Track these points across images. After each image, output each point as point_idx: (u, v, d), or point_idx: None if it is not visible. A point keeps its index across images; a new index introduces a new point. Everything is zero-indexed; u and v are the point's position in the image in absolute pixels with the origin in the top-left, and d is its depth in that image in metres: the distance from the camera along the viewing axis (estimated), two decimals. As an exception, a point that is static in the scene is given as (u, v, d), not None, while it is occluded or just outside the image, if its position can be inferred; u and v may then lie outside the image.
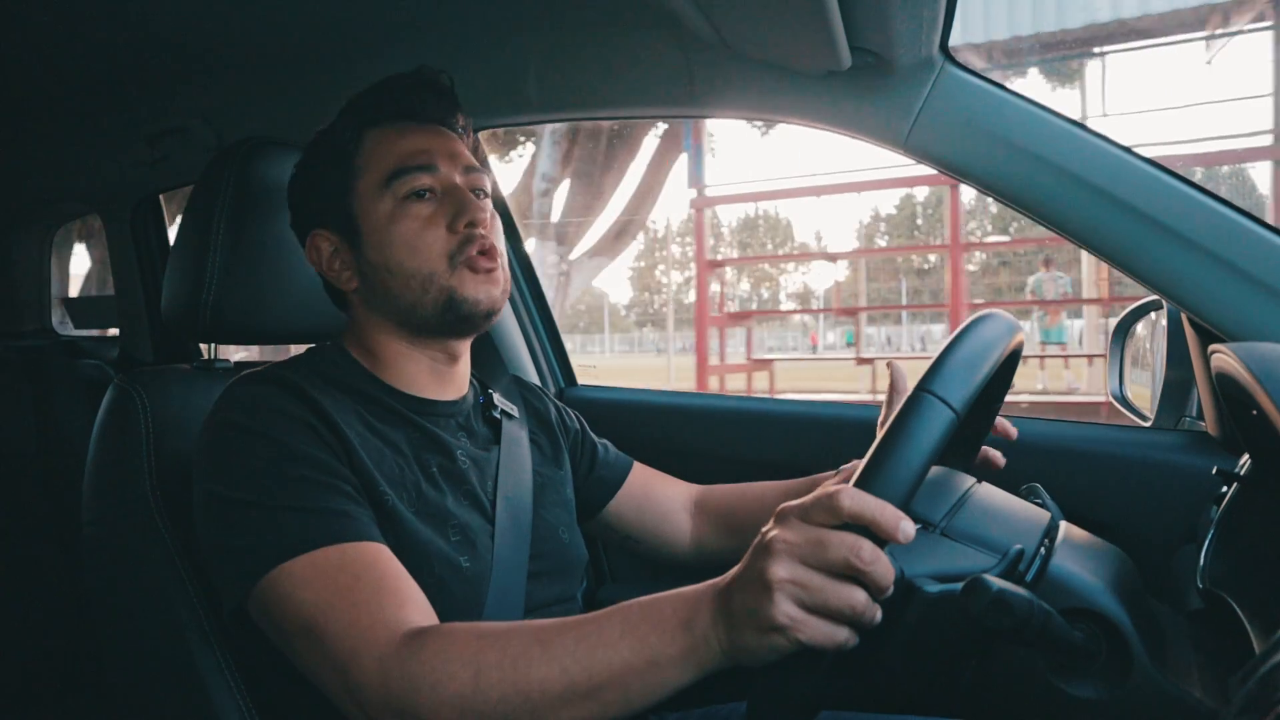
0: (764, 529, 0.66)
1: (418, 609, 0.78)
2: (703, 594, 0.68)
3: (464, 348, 1.02)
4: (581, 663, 0.69)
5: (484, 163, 1.02)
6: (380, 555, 0.81)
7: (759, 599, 0.62)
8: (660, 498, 1.22)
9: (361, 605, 0.76)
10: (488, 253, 0.94)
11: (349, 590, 0.77)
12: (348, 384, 0.95)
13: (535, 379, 1.70)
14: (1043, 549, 0.72)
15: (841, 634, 0.62)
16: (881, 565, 0.61)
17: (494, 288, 0.95)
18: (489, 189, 1.00)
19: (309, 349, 1.02)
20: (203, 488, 0.86)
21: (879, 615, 0.63)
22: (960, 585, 0.62)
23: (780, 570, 0.62)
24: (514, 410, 1.09)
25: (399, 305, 0.94)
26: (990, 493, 0.82)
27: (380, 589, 0.78)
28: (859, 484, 0.63)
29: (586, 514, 1.18)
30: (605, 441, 1.24)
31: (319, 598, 0.77)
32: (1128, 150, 1.05)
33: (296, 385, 0.89)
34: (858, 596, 0.61)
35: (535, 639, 0.71)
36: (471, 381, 1.07)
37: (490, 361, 1.19)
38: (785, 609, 0.61)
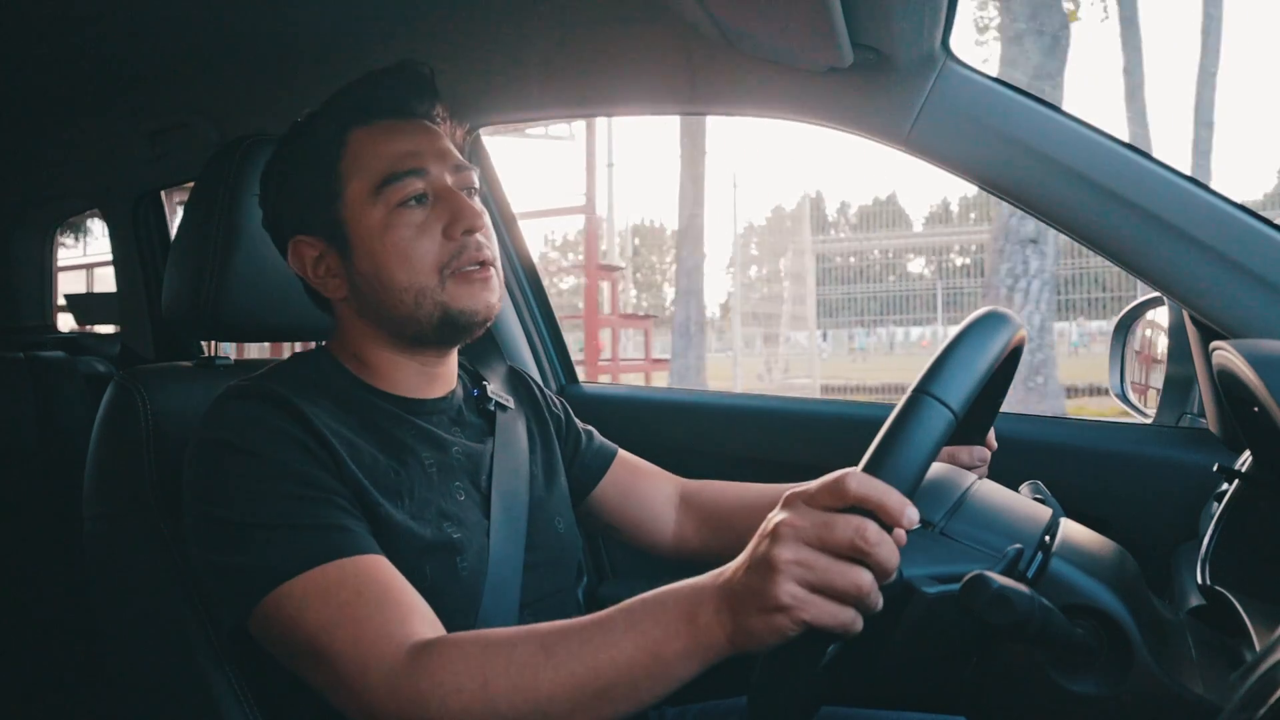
0: (770, 515, 0.66)
1: (422, 619, 0.78)
2: (705, 585, 0.68)
3: (454, 349, 1.01)
4: (588, 664, 0.69)
5: (472, 157, 1.01)
6: (380, 567, 0.81)
7: (763, 580, 0.63)
8: (644, 489, 1.21)
9: (364, 621, 0.76)
10: (482, 262, 0.92)
11: (351, 607, 0.77)
12: (335, 390, 0.94)
13: (536, 376, 1.69)
14: (1043, 546, 0.72)
15: (846, 615, 0.61)
16: (886, 547, 0.61)
17: (490, 295, 0.93)
18: (478, 185, 0.97)
19: (294, 355, 1.01)
20: (195, 508, 0.85)
21: (880, 602, 0.62)
22: (960, 584, 0.62)
23: (785, 552, 0.62)
24: (509, 402, 1.09)
25: (392, 317, 0.92)
26: (990, 490, 0.82)
27: (383, 603, 0.77)
28: None
29: (571, 502, 1.16)
30: (589, 428, 1.23)
31: (321, 617, 0.77)
32: (1131, 147, 1.04)
33: (283, 398, 0.87)
34: (863, 577, 0.61)
35: (540, 645, 0.71)
36: (461, 375, 1.06)
37: (489, 356, 1.19)
38: (789, 589, 0.61)
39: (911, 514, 0.61)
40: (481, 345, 1.17)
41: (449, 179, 0.93)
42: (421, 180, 0.91)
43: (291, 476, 0.83)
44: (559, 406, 1.21)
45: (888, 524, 0.61)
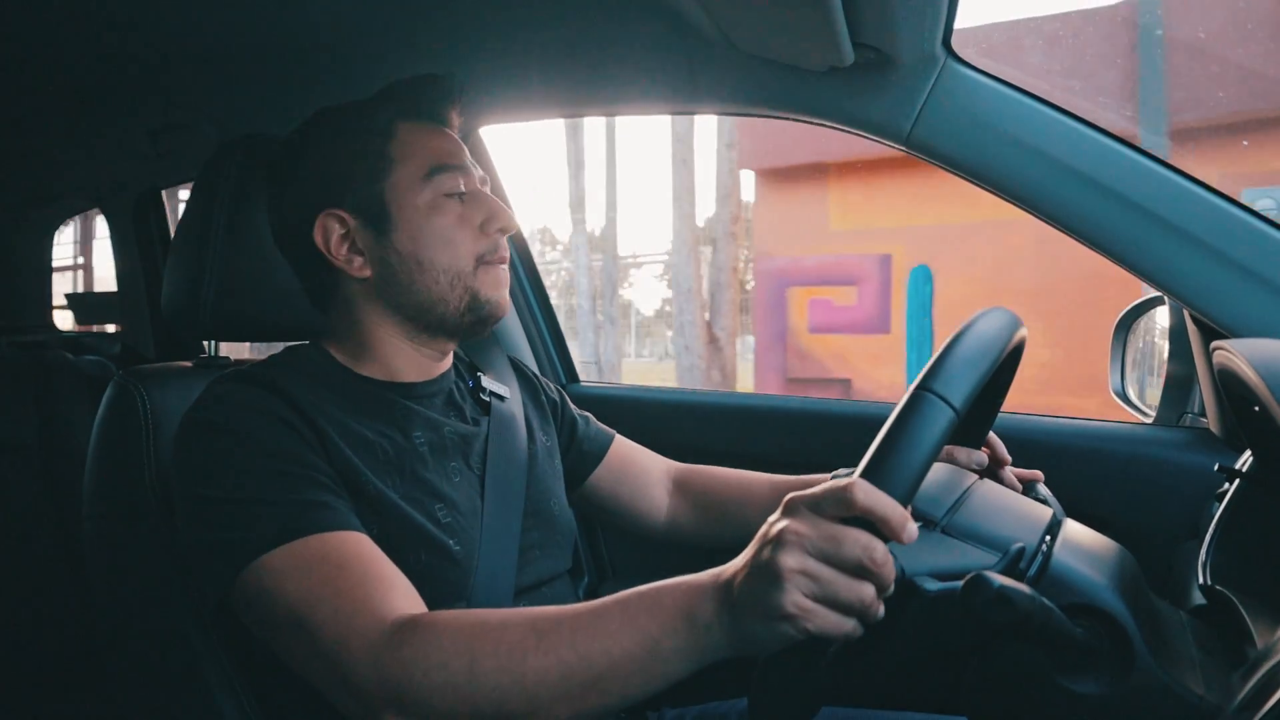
0: (771, 519, 0.65)
1: (404, 596, 0.78)
2: (705, 584, 0.67)
3: (457, 342, 1.03)
4: (579, 653, 0.68)
5: (475, 154, 1.05)
6: (362, 544, 0.81)
7: (769, 588, 0.62)
8: (637, 472, 1.23)
9: (346, 594, 0.76)
10: (505, 261, 1.00)
11: (333, 580, 0.77)
12: (326, 376, 0.95)
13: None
14: (1044, 546, 0.72)
15: (849, 624, 0.62)
16: (890, 566, 0.61)
17: (506, 290, 1.00)
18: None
19: (286, 348, 1.02)
20: (181, 488, 0.86)
21: (882, 611, 0.63)
22: (961, 583, 0.62)
23: (791, 560, 0.62)
24: (505, 392, 1.10)
25: (420, 299, 0.95)
26: (992, 490, 0.82)
27: (365, 576, 0.77)
28: None
29: (567, 487, 1.17)
30: (586, 414, 1.25)
31: (302, 589, 0.77)
32: (1131, 146, 1.04)
33: (271, 381, 0.89)
34: (867, 591, 0.62)
35: (532, 628, 0.71)
36: (455, 362, 1.08)
37: (490, 354, 1.19)
38: (795, 599, 0.61)
39: (911, 529, 0.61)
40: (482, 343, 1.17)
41: (478, 184, 1.00)
42: (464, 178, 0.97)
43: (275, 454, 0.83)
44: (555, 393, 1.23)
45: (887, 536, 0.62)
